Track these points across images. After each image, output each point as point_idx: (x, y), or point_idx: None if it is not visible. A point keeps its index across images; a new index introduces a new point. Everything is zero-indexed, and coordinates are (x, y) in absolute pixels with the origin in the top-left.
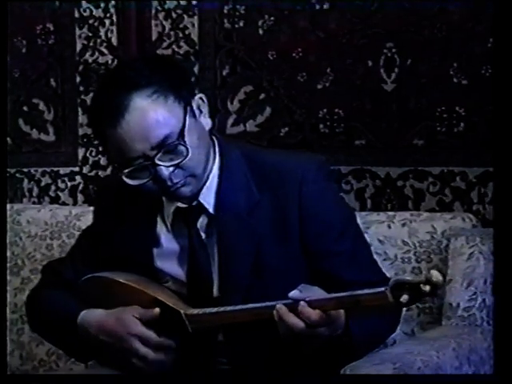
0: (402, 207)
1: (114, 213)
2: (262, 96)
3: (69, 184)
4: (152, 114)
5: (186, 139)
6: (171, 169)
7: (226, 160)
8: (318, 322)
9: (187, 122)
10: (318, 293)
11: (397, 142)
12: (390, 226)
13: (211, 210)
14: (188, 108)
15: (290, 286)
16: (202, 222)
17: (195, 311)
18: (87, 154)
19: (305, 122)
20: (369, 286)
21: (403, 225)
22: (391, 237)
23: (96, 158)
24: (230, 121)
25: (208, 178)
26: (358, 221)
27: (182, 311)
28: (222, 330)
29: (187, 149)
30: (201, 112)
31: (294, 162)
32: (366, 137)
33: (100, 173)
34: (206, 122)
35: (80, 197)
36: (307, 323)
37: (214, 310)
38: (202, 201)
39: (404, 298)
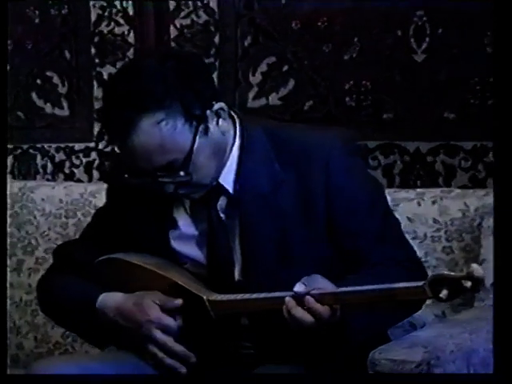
0: (433, 184)
1: (129, 193)
2: (285, 68)
3: (84, 160)
4: (157, 141)
5: (194, 161)
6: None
7: (247, 139)
8: (327, 319)
9: (196, 145)
10: (322, 283)
11: (427, 116)
12: (419, 204)
13: (231, 191)
14: (201, 127)
15: (316, 268)
16: (221, 203)
17: (218, 297)
18: (103, 129)
19: (330, 95)
20: (399, 266)
21: (433, 202)
22: (421, 215)
23: None
24: (252, 94)
25: (228, 159)
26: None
27: (204, 297)
28: (246, 314)
29: (191, 176)
30: (219, 117)
31: (320, 138)
32: (394, 110)
33: (116, 149)
34: (226, 125)
35: (95, 173)
36: (316, 318)
37: (239, 296)
38: (221, 182)
39: (444, 293)
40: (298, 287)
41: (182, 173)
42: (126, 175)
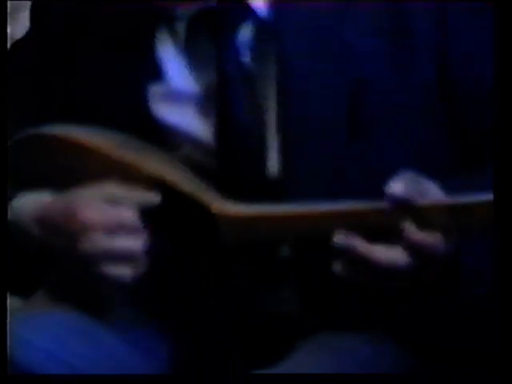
0: None
1: (71, 11)
2: None
3: None
4: None
5: None
6: None
7: None
8: (435, 256)
9: None
10: (425, 187)
11: None
12: None
13: (262, 13)
14: None
15: (413, 160)
16: (244, 35)
17: (238, 209)
18: None
19: None
20: None
21: None
22: None
23: None
24: None
25: None
26: None
27: (213, 208)
28: (287, 240)
29: None
30: None
31: None
32: None
33: None
34: None
35: None
36: (417, 254)
37: (275, 208)
38: None
39: None
40: (397, 189)
41: None
42: None
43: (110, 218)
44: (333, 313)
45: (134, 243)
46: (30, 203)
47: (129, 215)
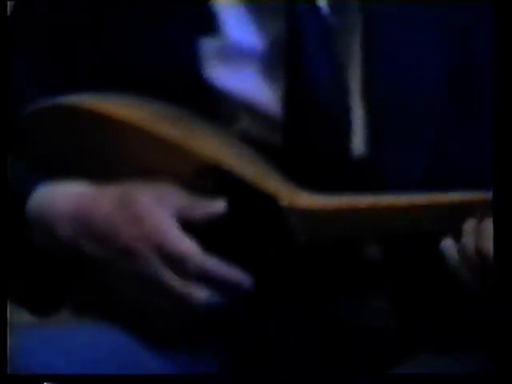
0: None
1: None
2: None
3: None
4: None
5: None
6: None
7: None
8: None
9: None
10: None
11: None
12: None
13: None
14: None
15: None
16: None
17: (313, 201)
18: None
19: None
20: None
21: None
22: None
23: None
24: None
25: None
26: None
27: (280, 198)
28: (377, 238)
29: None
30: None
31: None
32: None
33: None
34: None
35: None
36: None
37: (363, 200)
38: None
39: None
40: None
41: None
42: None
43: (176, 249)
44: (432, 328)
45: (192, 290)
46: (59, 195)
47: (196, 254)
